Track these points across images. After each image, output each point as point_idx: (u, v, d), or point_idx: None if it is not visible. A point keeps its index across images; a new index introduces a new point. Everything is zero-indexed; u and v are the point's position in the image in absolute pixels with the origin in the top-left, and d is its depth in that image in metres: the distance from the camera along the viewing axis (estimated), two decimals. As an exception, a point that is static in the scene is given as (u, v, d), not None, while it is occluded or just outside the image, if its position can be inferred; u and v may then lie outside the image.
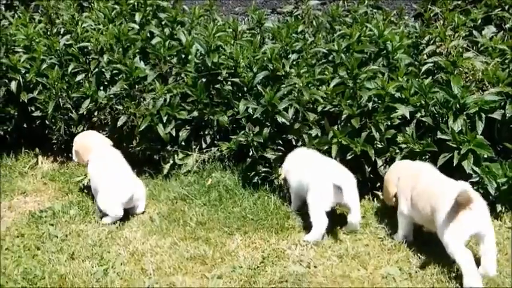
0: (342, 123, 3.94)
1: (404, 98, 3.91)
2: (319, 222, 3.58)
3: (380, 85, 3.88)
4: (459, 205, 3.11)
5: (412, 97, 3.87)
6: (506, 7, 4.80)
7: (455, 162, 3.62)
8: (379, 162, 3.90)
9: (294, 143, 4.12)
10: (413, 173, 3.50)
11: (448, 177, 3.43)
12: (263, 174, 4.14)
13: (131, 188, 3.94)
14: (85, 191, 4.35)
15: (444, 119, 3.79)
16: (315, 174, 3.68)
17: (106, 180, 3.99)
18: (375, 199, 3.98)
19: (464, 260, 3.09)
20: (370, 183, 3.99)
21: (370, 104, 3.89)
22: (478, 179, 3.65)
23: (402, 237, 3.56)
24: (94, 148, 4.18)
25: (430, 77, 4.11)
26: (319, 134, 4.01)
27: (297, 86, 4.06)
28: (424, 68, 4.14)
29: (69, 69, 4.73)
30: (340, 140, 3.87)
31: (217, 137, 4.46)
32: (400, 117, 3.89)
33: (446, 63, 4.11)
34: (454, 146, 3.65)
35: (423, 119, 3.83)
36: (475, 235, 3.17)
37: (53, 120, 4.74)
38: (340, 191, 3.52)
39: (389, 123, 3.87)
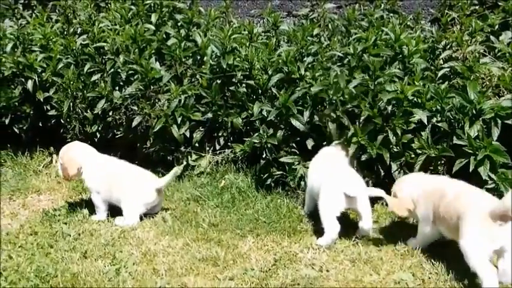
0: (361, 124, 3.90)
1: (420, 102, 3.88)
2: (331, 227, 3.58)
3: (399, 89, 3.85)
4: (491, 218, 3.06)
5: (428, 102, 3.85)
6: (524, 13, 4.75)
7: (471, 168, 3.59)
8: (394, 166, 3.88)
9: (307, 146, 4.12)
10: (435, 188, 3.44)
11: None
12: (276, 177, 4.14)
13: (154, 192, 3.95)
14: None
15: (460, 125, 3.76)
16: (326, 181, 3.67)
17: (130, 186, 3.97)
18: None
19: (488, 277, 3.03)
20: (384, 188, 3.93)
21: (389, 108, 3.87)
22: (493, 185, 3.61)
23: (417, 246, 3.52)
24: (82, 158, 4.03)
25: (446, 82, 4.07)
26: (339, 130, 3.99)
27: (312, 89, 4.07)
28: (440, 73, 4.11)
29: (85, 69, 4.78)
30: (360, 139, 3.83)
31: (231, 139, 4.48)
32: (416, 122, 3.86)
33: (463, 68, 4.08)
34: (471, 151, 3.62)
35: (439, 124, 3.80)
36: (499, 250, 3.11)
37: (68, 120, 4.80)
38: (352, 199, 3.54)
39: (405, 128, 3.85)
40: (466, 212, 3.15)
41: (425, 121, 3.77)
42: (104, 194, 4.00)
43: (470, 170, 3.59)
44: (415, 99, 3.89)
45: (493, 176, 3.61)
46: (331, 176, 3.70)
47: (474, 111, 3.72)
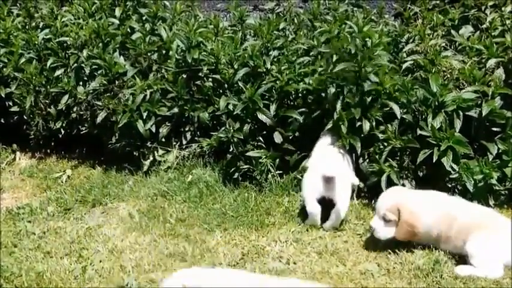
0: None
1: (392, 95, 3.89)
2: (312, 209, 3.63)
3: (379, 81, 3.85)
4: None
5: (395, 94, 3.87)
6: (483, 8, 4.80)
7: (434, 158, 3.62)
8: (360, 158, 3.89)
9: (274, 139, 4.10)
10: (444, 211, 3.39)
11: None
12: (243, 171, 4.11)
13: None
14: (64, 187, 4.31)
15: (423, 116, 3.79)
16: (309, 165, 3.78)
17: None
18: (354, 196, 3.94)
19: None
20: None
21: (368, 99, 3.87)
22: (456, 175, 3.66)
23: None
24: None
25: (410, 75, 4.11)
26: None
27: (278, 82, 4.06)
28: (404, 66, 4.13)
29: (48, 63, 4.66)
30: (345, 120, 3.79)
31: (198, 133, 4.42)
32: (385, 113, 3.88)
33: (425, 61, 4.12)
34: (434, 142, 3.66)
35: (404, 116, 3.83)
36: None
37: (31, 116, 4.68)
38: (330, 182, 3.57)
39: (380, 119, 3.87)
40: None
41: (398, 114, 3.78)
42: None
43: (434, 161, 3.63)
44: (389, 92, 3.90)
45: (455, 166, 3.66)
46: (314, 159, 3.79)
47: (437, 103, 3.76)
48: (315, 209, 3.63)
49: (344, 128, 3.79)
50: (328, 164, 3.68)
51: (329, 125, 3.86)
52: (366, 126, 3.79)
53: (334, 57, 3.97)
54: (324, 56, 4.08)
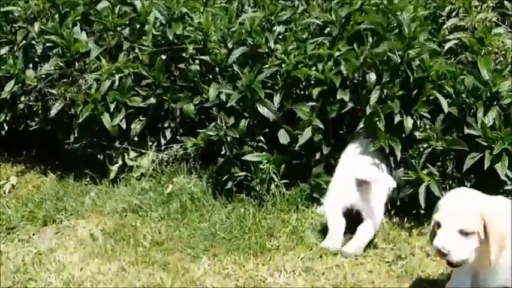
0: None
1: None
2: (333, 224, 3.62)
3: (424, 66, 3.79)
4: None
5: (442, 82, 3.82)
6: (545, -26, 4.87)
7: (486, 164, 3.53)
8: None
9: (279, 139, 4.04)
10: None
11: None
12: (239, 179, 4.06)
13: None
14: (7, 199, 4.28)
15: (472, 111, 3.74)
16: (337, 168, 3.83)
17: None
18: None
19: None
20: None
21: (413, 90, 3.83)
22: (514, 186, 3.63)
23: None
24: None
25: (453, 57, 4.08)
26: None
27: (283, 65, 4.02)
28: (447, 46, 4.06)
29: (-11, 41, 4.74)
30: (381, 115, 3.74)
31: (181, 131, 4.41)
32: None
33: (472, 40, 4.06)
34: (485, 144, 3.58)
35: (449, 109, 3.75)
36: None
37: (-35, 107, 4.73)
38: (363, 188, 3.55)
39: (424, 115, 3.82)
40: None
41: (445, 108, 3.71)
42: None
43: (485, 168, 3.54)
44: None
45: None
46: (342, 164, 3.82)
47: (489, 95, 3.69)
48: (338, 223, 3.60)
49: (381, 125, 3.73)
50: (363, 165, 3.66)
51: (360, 126, 3.85)
52: (409, 123, 3.74)
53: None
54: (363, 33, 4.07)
